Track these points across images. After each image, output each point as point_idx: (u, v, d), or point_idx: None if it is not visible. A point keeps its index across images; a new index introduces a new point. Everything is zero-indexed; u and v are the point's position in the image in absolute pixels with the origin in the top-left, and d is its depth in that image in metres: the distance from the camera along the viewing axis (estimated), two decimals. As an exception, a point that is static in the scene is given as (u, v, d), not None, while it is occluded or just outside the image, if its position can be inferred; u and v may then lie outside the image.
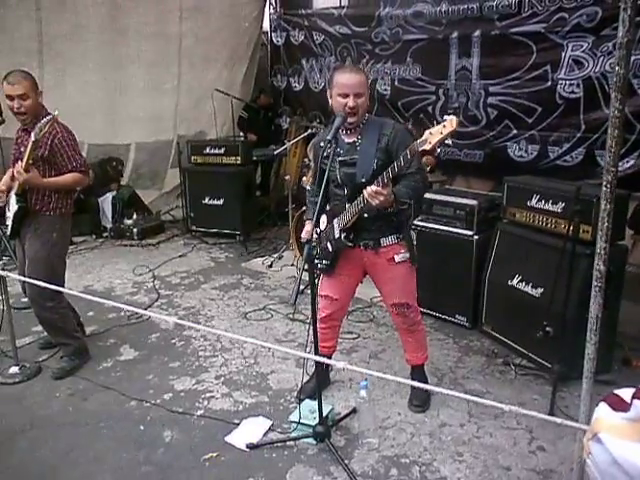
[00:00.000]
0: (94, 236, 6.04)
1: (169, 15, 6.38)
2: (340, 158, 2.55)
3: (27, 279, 2.85)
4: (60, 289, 2.84)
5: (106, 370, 3.24)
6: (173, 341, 3.61)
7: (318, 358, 2.24)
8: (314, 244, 2.54)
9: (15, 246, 3.26)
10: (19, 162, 2.85)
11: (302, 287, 3.81)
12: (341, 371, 3.17)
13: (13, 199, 2.97)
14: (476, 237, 3.57)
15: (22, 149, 2.94)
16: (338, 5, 6.44)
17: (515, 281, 3.29)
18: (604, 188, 1.57)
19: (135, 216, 6.13)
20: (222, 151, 5.83)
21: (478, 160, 5.56)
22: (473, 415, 2.75)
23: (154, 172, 7.12)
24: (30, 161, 2.81)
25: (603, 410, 0.69)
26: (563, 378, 2.86)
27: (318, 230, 2.62)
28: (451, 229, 3.68)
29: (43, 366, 3.25)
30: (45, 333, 3.48)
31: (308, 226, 2.73)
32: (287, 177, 5.43)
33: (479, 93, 5.43)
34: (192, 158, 6.01)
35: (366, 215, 2.49)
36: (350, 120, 2.44)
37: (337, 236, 2.60)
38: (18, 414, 2.79)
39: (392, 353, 3.37)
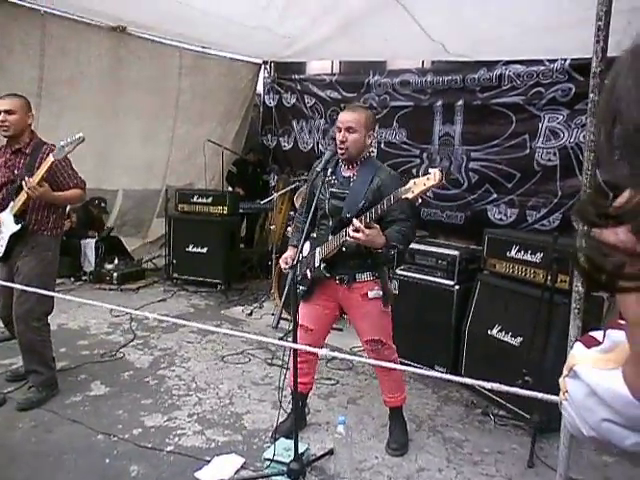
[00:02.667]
0: (72, 279, 5.95)
1: (168, 71, 6.65)
2: (332, 189, 2.63)
3: (18, 286, 2.80)
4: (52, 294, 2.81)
5: (74, 404, 3.12)
6: (147, 379, 3.50)
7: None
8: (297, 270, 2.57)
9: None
10: (30, 178, 2.88)
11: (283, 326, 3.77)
12: (318, 414, 3.10)
13: (10, 219, 2.97)
14: (457, 287, 3.62)
15: (16, 171, 2.98)
16: (330, 72, 6.80)
17: (495, 330, 3.32)
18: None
19: (116, 261, 6.09)
20: (209, 200, 5.92)
21: (459, 222, 5.72)
22: (452, 461, 2.68)
23: (139, 220, 7.14)
24: (43, 178, 2.88)
25: (578, 348, 0.72)
26: (542, 428, 2.83)
27: (300, 256, 2.64)
28: (432, 279, 3.73)
29: (8, 397, 3.12)
30: (14, 366, 3.37)
31: (290, 251, 2.76)
32: (272, 227, 5.50)
33: (461, 158, 5.68)
34: (179, 206, 6.08)
35: (344, 249, 2.54)
36: (340, 153, 2.54)
37: (317, 265, 2.63)
38: (-24, 443, 2.65)
39: (370, 399, 3.31)
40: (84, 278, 5.99)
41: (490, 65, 5.23)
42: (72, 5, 5.26)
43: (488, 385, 1.36)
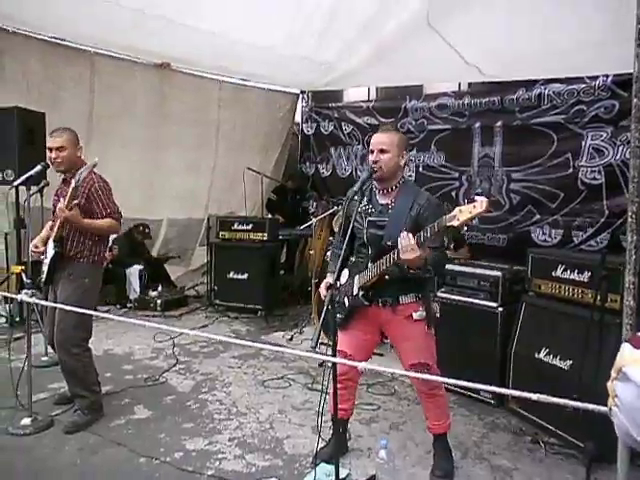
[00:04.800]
0: (118, 306, 6.11)
1: (209, 104, 6.88)
2: (370, 218, 2.60)
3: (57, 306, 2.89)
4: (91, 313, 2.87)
5: (118, 427, 3.16)
6: (188, 403, 3.52)
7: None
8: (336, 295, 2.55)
9: (47, 292, 3.33)
10: (61, 200, 3.01)
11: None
12: (359, 439, 3.03)
13: (50, 246, 3.10)
14: (500, 309, 3.52)
15: (62, 199, 3.12)
16: (367, 99, 6.88)
17: (542, 354, 3.19)
18: (629, 219, 1.58)
19: (160, 288, 6.22)
20: (250, 227, 6.00)
21: (502, 244, 5.61)
22: (500, 491, 2.56)
23: (183, 249, 7.31)
24: (71, 201, 2.98)
25: (626, 349, 0.68)
26: (597, 459, 2.67)
27: (338, 284, 2.63)
28: (475, 301, 3.64)
29: (56, 420, 3.19)
30: (62, 389, 3.46)
31: (330, 277, 2.75)
32: (312, 252, 5.52)
33: (502, 179, 5.59)
34: (220, 233, 6.18)
35: (387, 277, 2.51)
36: (374, 175, 2.53)
37: (355, 293, 2.60)
38: (25, 464, 2.71)
39: (413, 426, 3.22)
40: (129, 305, 6.14)
41: (529, 85, 5.18)
42: (119, 44, 5.53)
43: (535, 397, 1.29)
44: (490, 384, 3.47)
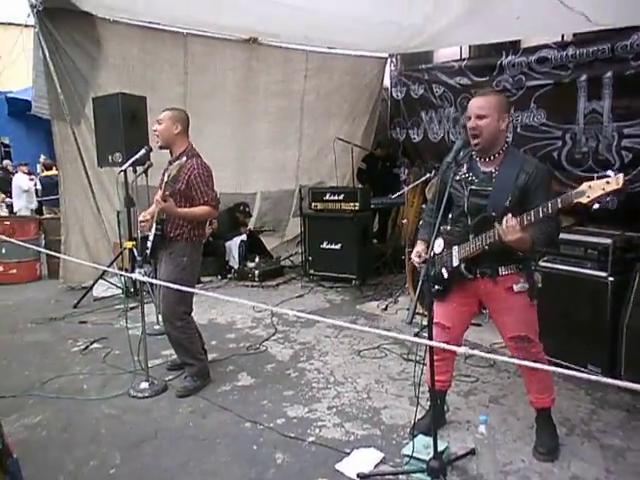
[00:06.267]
0: (219, 277, 6.44)
1: (295, 75, 6.90)
2: (472, 187, 2.48)
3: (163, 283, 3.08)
4: (192, 290, 3.07)
5: (224, 393, 3.37)
6: (288, 372, 3.67)
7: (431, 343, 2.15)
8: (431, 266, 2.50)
9: (156, 264, 3.58)
10: (159, 192, 3.19)
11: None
12: (457, 412, 3.00)
13: (153, 226, 3.31)
14: (611, 279, 3.27)
15: (164, 178, 3.30)
16: (459, 58, 6.55)
17: (660, 327, 2.95)
18: None
19: (257, 259, 6.45)
20: (341, 197, 6.02)
21: (611, 207, 5.17)
22: (612, 472, 2.43)
23: (277, 220, 7.52)
24: (167, 192, 3.15)
25: None
26: None
27: (433, 253, 2.57)
28: (582, 270, 3.42)
29: (169, 385, 3.46)
30: (173, 356, 3.73)
31: (421, 246, 2.69)
32: (404, 221, 5.44)
33: (611, 136, 5.13)
34: (312, 204, 6.25)
35: (488, 249, 2.41)
36: (473, 144, 2.42)
37: (455, 264, 2.53)
38: (145, 424, 2.98)
39: (515, 399, 3.13)
40: (229, 276, 6.45)
41: (645, 28, 4.66)
42: (209, 23, 5.66)
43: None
44: (599, 358, 3.31)
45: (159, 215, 3.25)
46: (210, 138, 6.32)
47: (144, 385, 3.38)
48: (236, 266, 6.48)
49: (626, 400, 3.09)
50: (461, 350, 1.59)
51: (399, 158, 7.55)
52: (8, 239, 5.64)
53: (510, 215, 2.22)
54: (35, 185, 9.69)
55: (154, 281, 3.21)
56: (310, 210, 6.28)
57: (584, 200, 1.95)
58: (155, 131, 3.33)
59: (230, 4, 4.52)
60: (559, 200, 2.05)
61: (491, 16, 4.29)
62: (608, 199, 1.99)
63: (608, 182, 1.91)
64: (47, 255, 6.34)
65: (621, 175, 1.91)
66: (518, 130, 5.84)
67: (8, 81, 9.75)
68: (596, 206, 1.97)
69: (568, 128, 5.45)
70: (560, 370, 1.44)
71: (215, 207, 3.37)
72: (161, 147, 3.39)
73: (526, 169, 2.38)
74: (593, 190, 1.93)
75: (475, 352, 1.64)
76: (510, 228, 2.20)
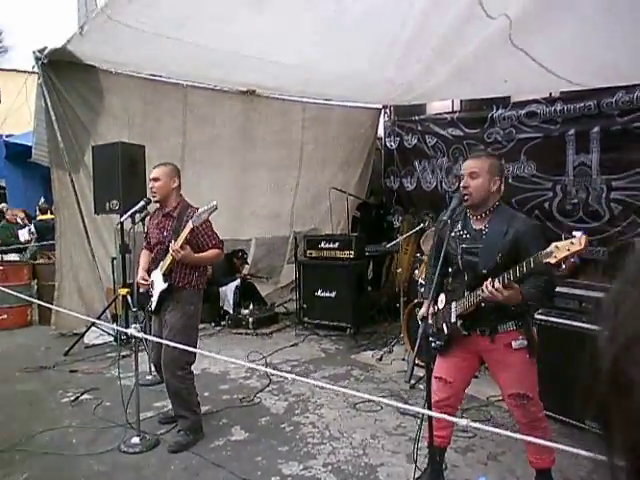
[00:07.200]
0: (213, 324, 6.39)
1: (292, 125, 7.07)
2: (464, 245, 2.53)
3: (164, 341, 3.06)
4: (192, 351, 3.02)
5: (217, 448, 3.29)
6: (283, 425, 3.60)
7: (432, 414, 2.13)
8: (430, 322, 2.51)
9: (152, 321, 3.56)
10: (173, 242, 3.19)
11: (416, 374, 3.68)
12: (455, 469, 2.95)
13: (160, 278, 3.31)
14: (606, 333, 3.28)
15: (165, 233, 3.32)
16: (450, 110, 6.75)
17: (656, 383, 2.94)
18: None
19: (251, 306, 6.42)
20: (336, 245, 6.06)
21: (602, 257, 5.24)
22: (614, 535, 2.37)
23: (271, 267, 7.53)
24: (185, 241, 3.17)
25: None
26: None
27: (436, 308, 2.59)
28: (576, 323, 3.43)
29: (161, 439, 3.38)
30: (166, 408, 3.66)
31: (425, 306, 2.71)
32: (399, 270, 5.47)
33: (600, 188, 5.26)
34: (307, 252, 6.28)
35: (483, 305, 2.43)
36: (465, 200, 2.47)
37: (453, 320, 2.55)
38: (136, 483, 2.90)
39: (513, 456, 3.08)
40: (223, 323, 6.40)
41: (629, 87, 4.84)
42: (209, 78, 5.84)
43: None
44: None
45: (169, 266, 3.26)
46: (207, 185, 6.41)
47: (135, 440, 3.30)
48: (231, 311, 6.44)
49: (626, 458, 3.04)
50: (462, 422, 1.58)
51: (392, 206, 7.65)
52: None
53: (489, 280, 2.26)
54: (32, 234, 9.61)
55: (151, 338, 3.18)
56: (305, 257, 6.31)
57: (552, 260, 2.01)
58: (152, 188, 3.38)
59: (229, 61, 4.67)
60: (531, 260, 2.12)
61: (478, 79, 4.45)
62: (573, 259, 2.05)
63: (572, 243, 1.98)
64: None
65: (584, 236, 1.99)
66: (510, 181, 5.94)
67: (8, 125, 9.90)
68: (562, 267, 2.03)
69: (558, 180, 5.58)
70: (561, 447, 1.43)
71: (222, 250, 3.45)
72: (157, 202, 3.44)
73: (514, 225, 2.43)
74: (560, 251, 2.00)
75: (478, 425, 1.63)
76: (491, 292, 2.24)
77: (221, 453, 3.23)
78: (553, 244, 2.01)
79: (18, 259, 7.84)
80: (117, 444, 3.29)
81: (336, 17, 3.55)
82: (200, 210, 3.16)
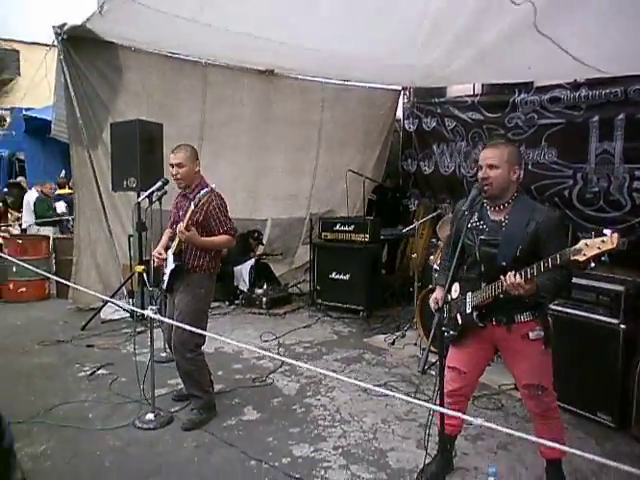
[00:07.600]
0: (227, 302, 6.45)
1: (312, 105, 7.00)
2: (482, 236, 2.49)
3: (175, 322, 3.09)
4: (203, 332, 3.07)
5: (230, 427, 3.35)
6: (294, 407, 3.64)
7: (443, 410, 2.13)
8: (444, 313, 2.50)
9: (167, 300, 3.59)
10: (180, 223, 3.21)
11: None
12: (465, 457, 2.97)
13: (171, 258, 3.33)
14: (623, 326, 3.25)
15: (181, 213, 3.33)
16: (472, 93, 6.61)
17: (672, 378, 2.91)
18: None
19: (265, 286, 6.45)
20: (351, 228, 6.04)
21: (622, 248, 5.15)
22: (622, 528, 2.39)
23: (286, 247, 7.54)
24: (190, 222, 3.17)
25: None
26: None
27: (449, 298, 2.57)
28: (593, 316, 3.40)
29: (175, 416, 3.44)
30: (179, 386, 3.72)
31: (438, 292, 2.68)
32: (414, 255, 5.45)
33: (623, 177, 5.15)
34: (322, 234, 6.28)
35: (501, 295, 2.41)
36: (485, 191, 2.43)
37: (468, 312, 2.53)
38: (150, 459, 2.96)
39: (523, 446, 3.08)
40: (236, 302, 6.45)
41: (658, 74, 4.70)
42: (228, 57, 5.79)
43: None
44: (610, 406, 3.27)
45: (178, 247, 3.28)
46: (224, 165, 6.41)
47: (150, 416, 3.36)
48: (246, 288, 6.49)
49: (637, 452, 3.04)
50: (477, 422, 1.58)
51: (409, 189, 7.59)
52: (17, 261, 5.62)
53: (511, 273, 2.23)
54: (67, 207, 9.65)
55: (167, 320, 3.20)
56: (320, 239, 6.31)
57: (581, 258, 1.96)
58: (177, 175, 3.34)
59: (249, 43, 4.62)
60: (558, 256, 2.07)
61: (501, 65, 4.34)
62: (603, 258, 2.01)
63: (604, 241, 1.93)
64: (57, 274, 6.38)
65: (616, 235, 1.92)
66: (529, 167, 5.85)
67: (29, 99, 9.94)
68: (592, 265, 1.97)
69: (579, 167, 5.47)
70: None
71: (234, 236, 3.43)
72: (182, 187, 3.43)
73: (536, 217, 2.38)
74: (589, 249, 1.95)
75: (486, 424, 1.62)
76: (513, 285, 2.22)
77: (233, 432, 3.28)
78: (582, 241, 1.96)
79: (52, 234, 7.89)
80: (132, 420, 3.36)
81: (357, 1, 3.47)
82: (201, 193, 3.17)
